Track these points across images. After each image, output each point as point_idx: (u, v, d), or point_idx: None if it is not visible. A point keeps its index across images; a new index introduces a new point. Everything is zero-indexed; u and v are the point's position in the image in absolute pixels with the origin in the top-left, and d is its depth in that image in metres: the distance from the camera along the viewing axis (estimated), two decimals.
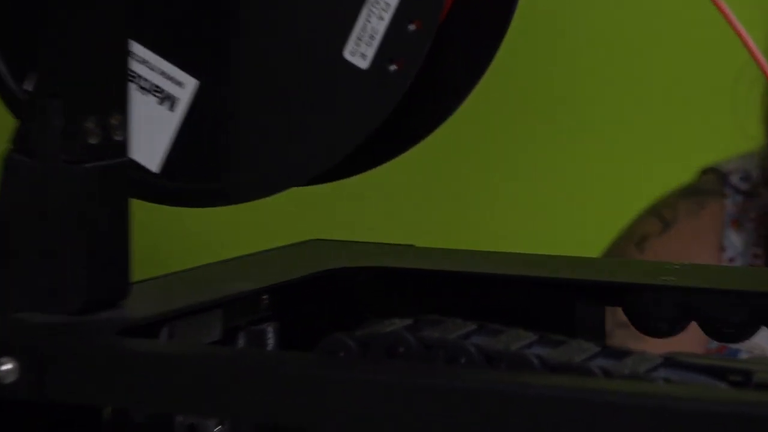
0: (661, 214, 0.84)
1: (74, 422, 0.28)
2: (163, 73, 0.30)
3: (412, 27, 0.25)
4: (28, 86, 0.29)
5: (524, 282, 0.29)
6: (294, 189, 0.28)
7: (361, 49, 0.26)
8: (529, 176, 0.91)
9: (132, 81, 0.29)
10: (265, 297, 0.31)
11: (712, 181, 0.84)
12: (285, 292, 0.32)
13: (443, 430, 0.21)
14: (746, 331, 0.26)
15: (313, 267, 0.33)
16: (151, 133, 0.30)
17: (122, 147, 0.28)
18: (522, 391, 0.21)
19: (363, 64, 0.26)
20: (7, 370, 0.26)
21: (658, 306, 0.26)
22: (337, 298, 0.32)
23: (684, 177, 0.83)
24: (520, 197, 0.91)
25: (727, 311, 0.26)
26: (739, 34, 0.27)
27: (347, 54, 0.26)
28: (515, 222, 0.87)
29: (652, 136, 0.98)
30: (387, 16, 0.25)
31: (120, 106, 0.28)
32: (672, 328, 0.26)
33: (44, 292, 0.28)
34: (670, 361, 0.22)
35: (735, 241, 0.81)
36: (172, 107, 0.29)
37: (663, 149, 1.00)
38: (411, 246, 0.33)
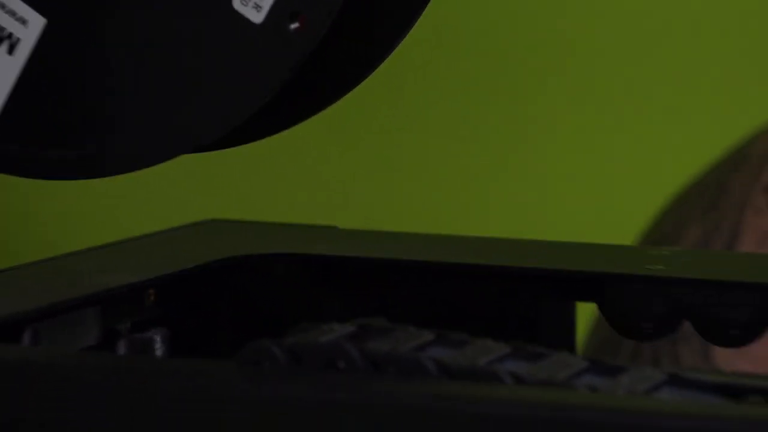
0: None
1: None
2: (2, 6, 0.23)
3: None
4: None
5: (477, 272, 0.24)
6: (181, 159, 0.22)
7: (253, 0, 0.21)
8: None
9: None
10: (151, 292, 0.26)
11: None
12: (177, 286, 0.26)
13: None
14: (753, 333, 0.22)
15: (212, 254, 0.27)
16: None
17: None
18: (493, 411, 0.17)
19: (257, 17, 0.22)
20: None
21: (643, 301, 0.22)
22: (242, 293, 0.27)
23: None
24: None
25: (729, 308, 0.22)
26: None
27: (237, 4, 0.22)
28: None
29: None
30: None
31: None
32: (659, 329, 0.22)
33: None
34: (675, 379, 0.17)
35: None
36: (10, 51, 0.23)
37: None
38: (334, 227, 0.28)
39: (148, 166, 0.23)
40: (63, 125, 0.24)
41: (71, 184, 0.25)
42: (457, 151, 0.83)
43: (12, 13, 0.24)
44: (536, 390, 0.19)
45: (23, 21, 0.24)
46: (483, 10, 0.86)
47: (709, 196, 0.60)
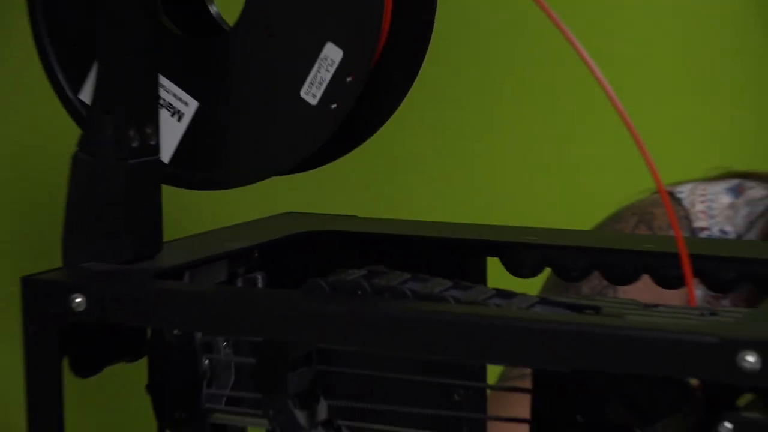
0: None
1: (126, 338, 0.40)
2: (174, 95, 0.41)
3: (348, 79, 0.37)
4: (83, 96, 0.41)
5: (437, 242, 0.41)
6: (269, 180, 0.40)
7: (312, 91, 0.38)
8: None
9: None
10: (255, 252, 0.44)
11: None
12: (271, 249, 0.44)
13: (387, 344, 0.33)
14: (586, 273, 0.39)
15: (290, 231, 0.45)
16: (164, 137, 0.42)
17: (155, 148, 0.40)
18: (438, 317, 0.33)
19: (313, 101, 0.38)
20: (79, 302, 0.38)
21: (522, 256, 0.39)
22: (307, 253, 0.45)
23: None
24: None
25: (572, 259, 0.38)
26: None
27: (303, 93, 0.38)
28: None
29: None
30: (332, 70, 0.37)
31: (153, 119, 0.40)
32: (533, 273, 0.39)
33: (102, 250, 0.39)
34: (544, 300, 0.34)
35: None
36: (179, 119, 0.41)
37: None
38: (355, 216, 0.46)
39: (252, 182, 0.41)
40: (206, 158, 0.42)
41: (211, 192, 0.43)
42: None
43: (179, 98, 0.42)
44: (466, 306, 0.35)
45: (185, 102, 0.42)
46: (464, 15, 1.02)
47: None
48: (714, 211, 0.74)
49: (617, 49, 1.12)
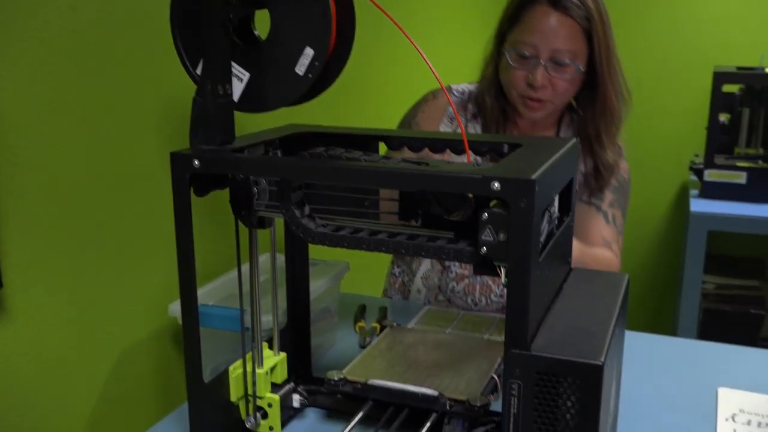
0: None
1: (218, 180, 0.88)
2: (238, 71, 0.88)
3: (316, 63, 0.82)
4: (198, 70, 0.88)
5: (360, 137, 0.89)
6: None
7: (300, 69, 0.83)
8: None
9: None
10: (276, 141, 0.92)
11: None
12: (284, 138, 0.92)
13: (333, 179, 0.81)
14: (421, 149, 0.88)
15: (292, 131, 0.93)
16: (235, 89, 0.89)
17: (230, 95, 0.86)
18: (356, 167, 0.80)
19: (300, 73, 0.83)
20: (197, 164, 0.85)
21: (393, 142, 0.88)
22: (300, 141, 0.92)
23: None
24: None
25: (417, 145, 0.87)
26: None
27: (296, 70, 0.84)
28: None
29: None
30: (309, 58, 0.83)
31: (228, 81, 0.86)
32: (399, 148, 0.88)
33: (207, 140, 0.86)
34: (405, 160, 0.83)
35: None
36: (240, 81, 0.88)
37: None
38: (324, 126, 0.94)
39: (273, 110, 0.87)
40: (252, 99, 0.88)
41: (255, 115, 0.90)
42: None
43: (240, 72, 0.88)
44: (369, 162, 0.82)
45: (243, 74, 0.88)
46: None
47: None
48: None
49: None
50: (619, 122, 1.37)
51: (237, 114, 0.87)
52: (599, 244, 1.39)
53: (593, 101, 1.36)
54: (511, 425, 0.74)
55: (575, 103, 1.43)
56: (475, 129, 1.43)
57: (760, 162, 2.53)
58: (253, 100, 0.85)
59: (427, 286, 1.51)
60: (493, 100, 1.38)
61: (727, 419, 1.08)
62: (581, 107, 1.40)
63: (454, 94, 1.46)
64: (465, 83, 1.49)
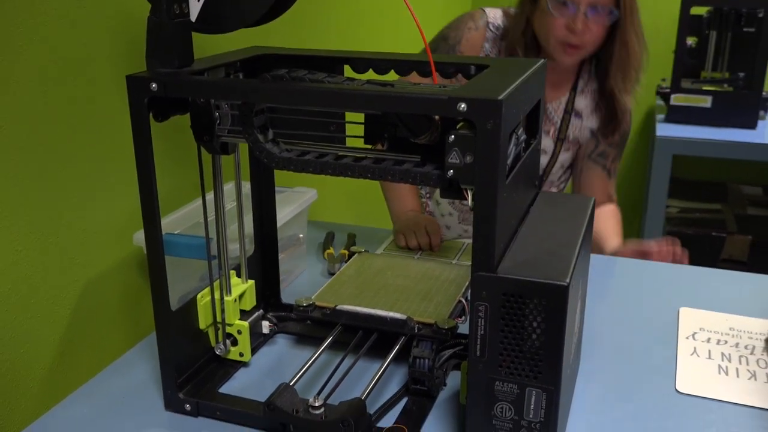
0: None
1: (178, 104, 0.85)
2: None
3: None
4: None
5: (324, 59, 0.86)
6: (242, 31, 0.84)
7: None
8: None
9: None
10: (238, 62, 0.89)
11: None
12: (247, 60, 0.89)
13: (295, 101, 0.79)
14: (390, 71, 0.85)
15: (254, 53, 0.90)
16: (192, 8, 0.85)
17: (187, 14, 0.83)
18: (319, 89, 0.78)
19: None
20: (154, 86, 0.82)
21: (359, 65, 0.85)
22: (262, 63, 0.90)
23: None
24: None
25: (383, 66, 0.84)
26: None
27: None
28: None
29: None
30: None
31: (185, 0, 0.83)
32: (365, 71, 0.86)
33: (164, 62, 0.83)
34: (370, 82, 0.80)
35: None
36: (198, 1, 0.84)
37: None
38: (285, 48, 0.91)
39: (233, 30, 0.84)
40: (211, 19, 0.84)
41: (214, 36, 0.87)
42: None
43: None
44: (333, 84, 0.79)
45: None
46: None
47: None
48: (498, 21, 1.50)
49: None
50: (639, 67, 1.46)
51: (195, 37, 0.84)
52: (605, 201, 1.59)
53: (615, 46, 1.43)
54: (478, 346, 0.75)
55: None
56: None
57: (726, 86, 2.54)
58: (212, 20, 0.82)
59: (455, 207, 1.66)
60: (524, 52, 1.46)
61: (687, 337, 1.11)
62: (604, 52, 1.46)
63: (489, 29, 1.50)
64: (499, 11, 1.52)
